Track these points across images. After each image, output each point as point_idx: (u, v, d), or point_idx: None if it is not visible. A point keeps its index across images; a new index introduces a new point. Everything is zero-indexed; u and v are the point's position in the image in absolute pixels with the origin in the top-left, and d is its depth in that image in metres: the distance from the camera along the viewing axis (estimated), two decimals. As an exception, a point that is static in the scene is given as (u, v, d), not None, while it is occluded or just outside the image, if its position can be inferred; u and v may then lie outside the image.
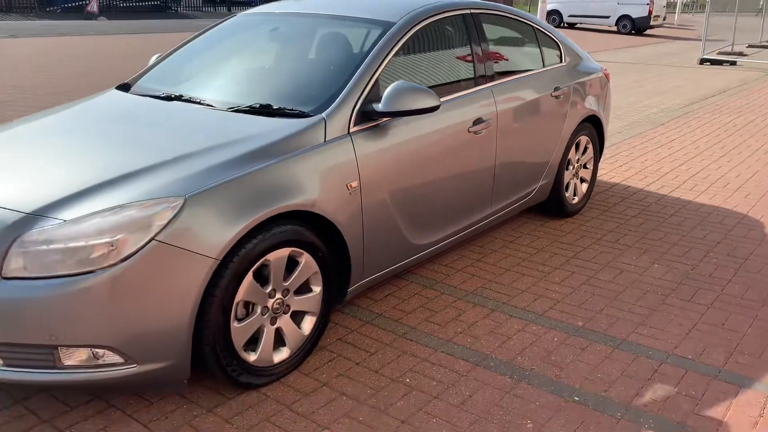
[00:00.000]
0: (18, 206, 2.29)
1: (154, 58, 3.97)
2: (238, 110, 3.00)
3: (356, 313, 3.30)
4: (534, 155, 4.10)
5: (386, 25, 3.29)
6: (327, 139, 2.81)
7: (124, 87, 3.61)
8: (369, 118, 2.98)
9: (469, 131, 3.49)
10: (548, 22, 28.04)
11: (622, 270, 3.86)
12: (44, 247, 2.20)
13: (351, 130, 2.90)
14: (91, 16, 26.33)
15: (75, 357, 2.27)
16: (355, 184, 2.86)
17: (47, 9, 28.23)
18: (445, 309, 3.37)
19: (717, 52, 16.50)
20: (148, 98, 3.30)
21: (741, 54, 16.82)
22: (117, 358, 2.29)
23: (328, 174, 2.75)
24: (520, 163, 3.98)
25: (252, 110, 2.99)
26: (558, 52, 4.52)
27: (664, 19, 28.40)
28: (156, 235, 2.24)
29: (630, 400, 2.63)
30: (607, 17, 26.26)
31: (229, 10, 36.95)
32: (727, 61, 15.59)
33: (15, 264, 2.20)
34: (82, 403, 2.57)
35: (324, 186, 2.73)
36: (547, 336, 3.11)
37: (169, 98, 3.25)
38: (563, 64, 4.52)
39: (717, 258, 4.04)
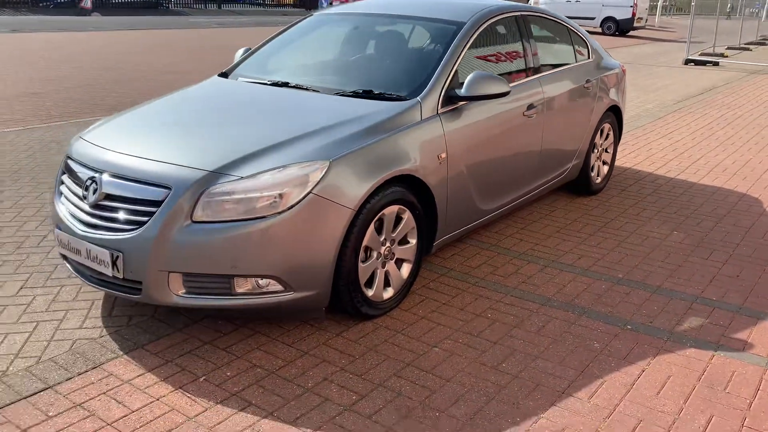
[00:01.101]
0: (201, 166, 2.87)
1: (240, 52, 4.53)
2: (343, 95, 3.60)
3: (432, 267, 3.91)
4: (569, 138, 4.75)
5: (459, 25, 3.91)
6: (422, 118, 3.42)
7: (225, 75, 4.19)
8: (451, 101, 3.59)
9: (524, 115, 4.13)
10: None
11: (647, 236, 4.53)
12: (227, 197, 2.78)
13: (439, 111, 3.52)
14: (84, 12, 26.55)
15: (245, 285, 2.85)
16: (443, 155, 3.47)
17: (40, 4, 28.37)
18: (505, 265, 4.00)
19: (699, 53, 17.34)
20: (259, 84, 3.88)
21: (722, 55, 17.71)
22: (278, 287, 2.88)
23: (424, 146, 3.36)
24: (559, 144, 4.63)
25: (355, 95, 3.58)
26: (586, 50, 5.18)
27: (645, 21, 29.34)
28: (312, 189, 2.84)
29: (672, 327, 3.28)
30: (592, 18, 27.09)
31: (220, 7, 37.29)
32: (710, 62, 16.43)
33: (203, 211, 2.78)
34: (231, 329, 3.15)
35: (422, 156, 3.34)
36: (595, 285, 3.76)
37: (276, 84, 3.83)
38: (590, 60, 5.18)
39: (725, 227, 4.73)
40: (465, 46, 3.81)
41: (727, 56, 17.81)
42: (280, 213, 2.79)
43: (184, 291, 2.87)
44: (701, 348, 3.09)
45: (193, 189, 2.78)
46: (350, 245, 2.98)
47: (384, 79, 3.78)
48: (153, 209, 2.80)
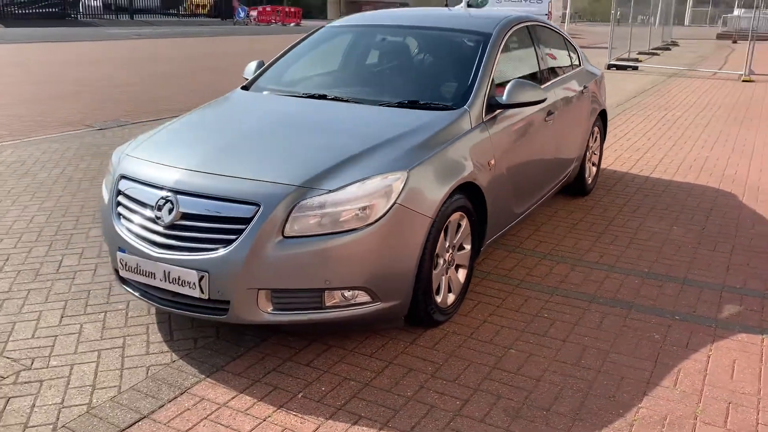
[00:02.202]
0: (289, 181, 2.84)
1: (254, 65, 4.47)
2: (388, 105, 3.64)
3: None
4: (573, 142, 4.98)
5: (486, 36, 4.03)
6: (472, 127, 3.51)
7: (247, 88, 4.14)
8: (492, 109, 3.70)
9: (545, 120, 4.30)
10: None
11: (652, 232, 4.80)
12: (317, 211, 2.77)
13: (484, 119, 3.62)
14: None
15: (334, 298, 2.85)
16: (492, 161, 3.58)
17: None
18: (537, 266, 4.14)
19: (616, 58, 18.33)
20: (297, 98, 3.86)
21: (638, 60, 18.80)
22: (366, 298, 2.89)
23: (477, 154, 3.46)
24: (567, 148, 4.84)
25: (400, 105, 3.63)
26: (577, 57, 5.44)
27: (559, 29, 30.65)
28: (396, 199, 2.87)
29: (714, 315, 3.51)
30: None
31: (132, 17, 36.06)
32: (630, 66, 17.41)
33: (294, 226, 2.76)
34: (304, 345, 3.12)
35: (477, 163, 3.43)
36: (628, 280, 3.96)
37: (313, 97, 3.83)
38: (582, 66, 5.44)
39: (717, 220, 5.07)
40: (496, 55, 3.93)
41: (642, 61, 18.92)
42: (369, 225, 2.80)
43: (272, 308, 2.83)
44: (749, 332, 3.33)
45: (283, 204, 2.75)
46: (427, 253, 3.03)
47: (425, 89, 3.85)
48: (241, 227, 2.75)
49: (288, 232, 2.75)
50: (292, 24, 41.55)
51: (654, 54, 21.94)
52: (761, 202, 5.53)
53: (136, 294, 3.06)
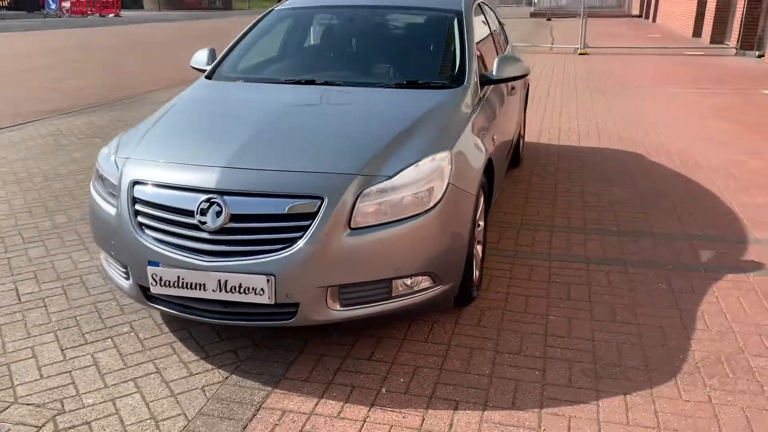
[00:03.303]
0: (347, 170, 2.68)
1: (204, 54, 4.13)
2: (387, 86, 3.55)
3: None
4: (519, 113, 5.18)
5: (458, 13, 4.06)
6: (474, 103, 3.53)
7: (210, 77, 3.85)
8: (483, 84, 3.75)
9: (510, 95, 4.43)
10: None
11: (597, 194, 5.14)
12: (381, 198, 2.66)
13: (480, 95, 3.66)
14: None
15: (399, 287, 2.76)
16: (495, 136, 3.64)
17: None
18: (519, 236, 4.28)
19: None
20: (283, 85, 3.64)
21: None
22: (427, 283, 2.83)
23: (486, 129, 3.49)
24: (517, 120, 5.03)
25: (399, 86, 3.56)
26: (503, 31, 5.64)
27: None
28: (449, 180, 2.83)
29: (698, 262, 3.85)
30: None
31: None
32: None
33: (360, 217, 2.63)
34: (352, 339, 3.00)
35: (488, 138, 3.47)
36: (606, 240, 4.22)
37: (299, 83, 3.64)
38: (510, 41, 5.66)
39: (643, 179, 5.54)
40: (473, 31, 3.98)
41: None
42: (432, 207, 2.74)
43: (339, 305, 2.68)
44: (733, 273, 3.70)
45: (347, 195, 2.61)
46: (471, 232, 3.03)
47: (416, 69, 3.81)
48: (304, 223, 2.57)
49: (355, 223, 2.61)
50: (111, 15, 38.66)
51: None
52: (667, 159, 6.12)
53: (172, 311, 2.75)
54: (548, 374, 2.74)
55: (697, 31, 20.67)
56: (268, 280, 2.53)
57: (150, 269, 2.67)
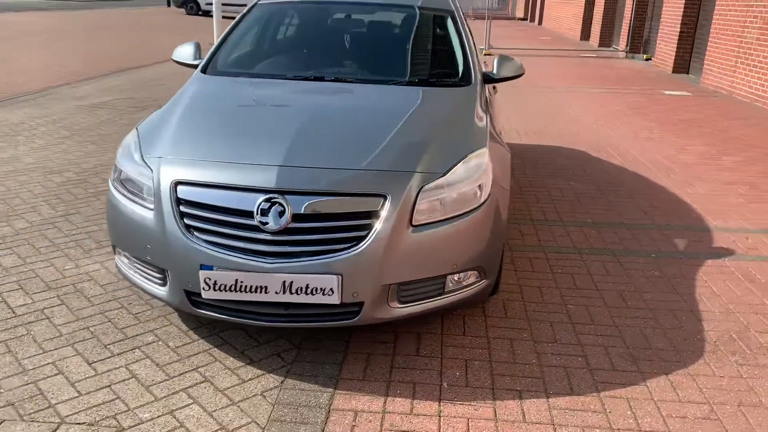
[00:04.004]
0: (407, 167, 2.68)
1: (190, 48, 3.98)
2: (399, 84, 3.57)
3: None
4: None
5: (450, 12, 4.14)
6: (483, 100, 3.63)
7: (215, 72, 3.71)
8: (486, 82, 3.85)
9: (492, 94, 4.57)
10: (186, 11, 28.22)
11: (559, 188, 5.40)
12: (439, 195, 2.69)
13: (485, 94, 3.77)
14: None
15: (451, 282, 2.81)
16: (502, 133, 3.75)
17: None
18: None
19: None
20: (295, 81, 3.57)
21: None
22: (473, 278, 2.88)
23: (497, 126, 3.60)
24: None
25: (411, 83, 3.60)
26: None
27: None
28: (492, 176, 2.91)
29: (677, 249, 4.17)
30: (243, 5, 27.66)
31: None
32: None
33: (422, 213, 2.64)
34: (391, 336, 3.02)
35: (499, 133, 3.58)
36: (586, 231, 4.46)
37: (307, 79, 3.58)
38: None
39: (595, 172, 5.88)
40: (468, 30, 4.07)
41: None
42: (482, 203, 2.81)
43: (397, 302, 2.69)
44: (712, 258, 4.03)
45: (408, 192, 2.62)
46: (505, 226, 3.12)
47: (423, 67, 3.84)
48: (369, 221, 2.56)
49: (416, 220, 2.63)
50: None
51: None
52: (607, 155, 6.52)
53: (223, 316, 2.64)
54: (590, 360, 2.88)
55: (585, 35, 22.00)
56: (337, 280, 2.49)
57: (203, 273, 2.54)
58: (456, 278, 2.82)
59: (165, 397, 2.55)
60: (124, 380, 2.64)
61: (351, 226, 2.55)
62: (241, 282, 2.51)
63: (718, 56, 11.29)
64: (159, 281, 2.74)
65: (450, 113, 3.22)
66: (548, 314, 3.27)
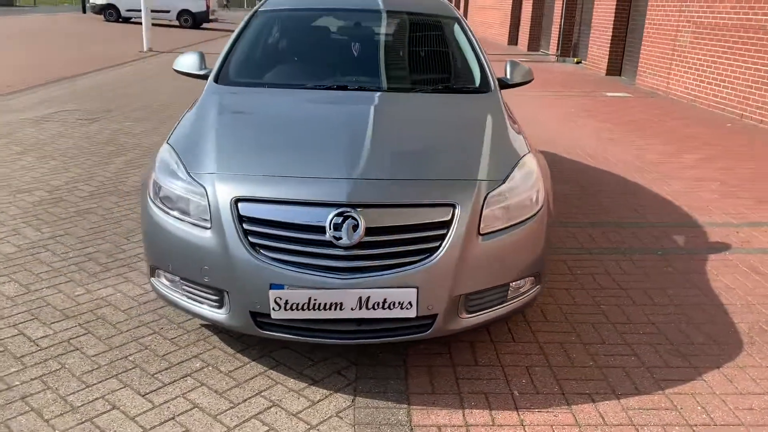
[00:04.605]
0: (471, 176, 2.66)
1: (194, 58, 3.84)
2: (423, 92, 3.56)
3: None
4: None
5: (456, 18, 4.16)
6: (504, 105, 3.66)
7: (229, 82, 3.59)
8: (501, 88, 3.88)
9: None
10: (105, 18, 27.15)
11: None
12: (502, 203, 2.68)
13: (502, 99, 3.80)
14: None
15: (511, 290, 2.81)
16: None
17: None
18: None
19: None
20: (319, 91, 3.48)
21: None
22: (529, 284, 2.89)
23: (515, 130, 3.64)
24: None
25: (435, 90, 3.59)
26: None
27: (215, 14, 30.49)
28: (541, 182, 2.93)
29: (677, 246, 4.33)
30: (168, 11, 26.92)
31: None
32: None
33: (488, 221, 2.63)
34: (442, 346, 2.99)
35: (523, 138, 3.62)
36: (588, 231, 4.56)
37: (331, 88, 3.52)
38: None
39: (570, 173, 6.03)
40: (475, 36, 4.10)
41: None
42: (540, 209, 2.82)
43: (465, 312, 2.66)
44: (714, 253, 4.21)
45: (475, 201, 2.60)
46: (547, 231, 3.15)
47: (443, 73, 3.83)
48: (440, 231, 2.53)
49: (483, 229, 2.61)
50: None
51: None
52: (578, 156, 6.71)
53: (293, 336, 2.53)
54: (643, 358, 2.94)
55: (513, 40, 22.61)
56: (415, 293, 2.44)
57: (273, 293, 2.43)
58: (515, 285, 2.81)
59: (237, 426, 2.42)
60: (186, 411, 2.50)
61: (424, 237, 2.50)
62: (315, 300, 2.42)
63: (653, 59, 11.84)
64: (215, 304, 2.61)
65: (486, 120, 3.22)
66: (586, 315, 3.32)
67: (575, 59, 16.74)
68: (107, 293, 3.42)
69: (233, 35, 3.96)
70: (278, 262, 2.45)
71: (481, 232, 2.59)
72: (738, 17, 9.29)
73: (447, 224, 2.52)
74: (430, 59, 4.00)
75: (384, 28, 4.14)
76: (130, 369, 2.75)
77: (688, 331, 3.20)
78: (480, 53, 3.90)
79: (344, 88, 3.54)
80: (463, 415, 2.51)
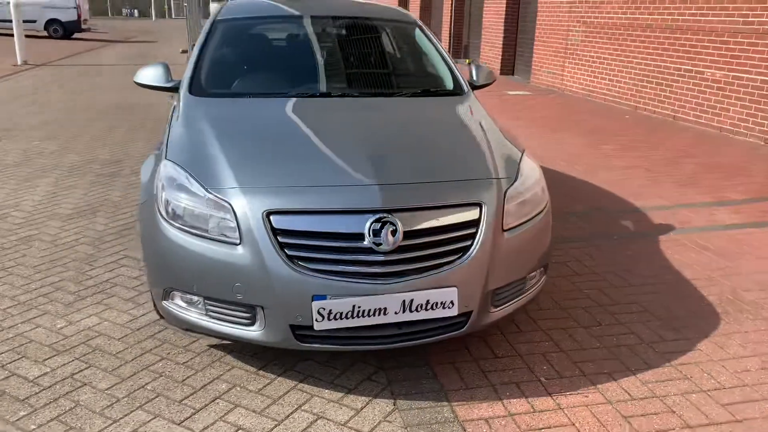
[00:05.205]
0: (489, 175, 2.75)
1: (159, 70, 3.70)
2: (404, 96, 3.62)
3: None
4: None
5: (415, 23, 4.25)
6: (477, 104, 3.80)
7: (205, 93, 3.50)
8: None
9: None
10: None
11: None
12: (518, 199, 2.80)
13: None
14: None
15: (528, 281, 2.93)
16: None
17: None
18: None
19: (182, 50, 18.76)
20: (303, 98, 3.46)
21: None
22: (538, 276, 3.01)
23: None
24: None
25: (414, 94, 3.66)
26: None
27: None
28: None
29: (615, 229, 4.66)
30: (34, 21, 25.21)
31: None
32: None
33: (509, 218, 2.73)
34: (459, 345, 3.08)
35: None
36: (573, 221, 4.80)
37: (313, 95, 3.51)
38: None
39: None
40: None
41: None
42: (547, 204, 2.97)
43: (492, 307, 2.76)
44: (664, 234, 4.56)
45: (498, 199, 2.70)
46: (545, 224, 3.30)
47: (416, 77, 3.90)
48: (471, 230, 2.61)
49: (506, 225, 2.72)
50: None
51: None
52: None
53: (335, 346, 2.52)
54: (641, 335, 3.17)
55: (402, 42, 23.06)
56: (457, 292, 2.50)
57: (316, 304, 2.41)
58: (530, 276, 2.94)
59: (295, 442, 2.37)
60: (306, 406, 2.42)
61: (457, 237, 2.57)
62: (359, 307, 2.42)
63: (546, 57, 12.53)
64: (246, 321, 2.54)
65: (475, 121, 3.33)
66: (574, 301, 3.51)
67: (467, 60, 17.36)
68: (93, 323, 3.22)
69: (198, 46, 3.83)
70: (319, 272, 2.42)
71: (504, 228, 2.69)
72: (626, 17, 10.04)
73: (476, 223, 2.60)
74: (403, 64, 4.07)
75: (352, 35, 4.15)
76: (153, 398, 2.62)
77: (670, 306, 3.46)
78: (446, 57, 4.01)
79: (327, 95, 3.53)
80: (504, 406, 2.59)
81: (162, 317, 3.04)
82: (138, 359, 2.90)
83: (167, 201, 2.64)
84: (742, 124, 7.83)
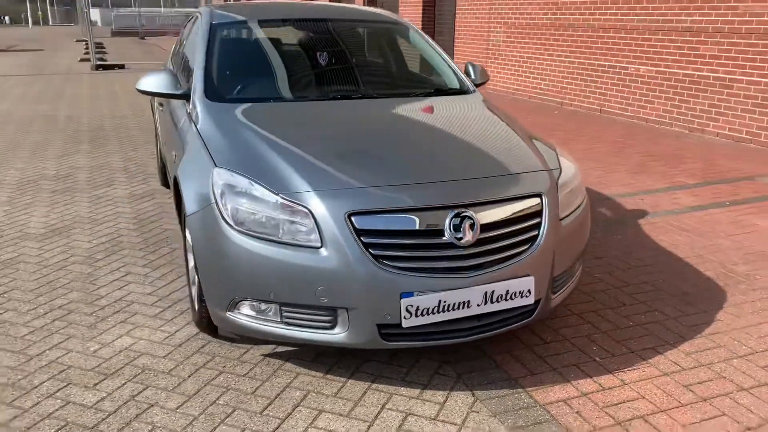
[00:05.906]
0: (542, 167, 2.87)
1: (165, 78, 3.57)
2: (417, 96, 3.70)
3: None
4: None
5: (406, 24, 4.33)
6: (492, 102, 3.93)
7: (223, 99, 3.44)
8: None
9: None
10: None
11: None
12: (567, 189, 2.94)
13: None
14: None
15: (574, 269, 3.08)
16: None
17: None
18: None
19: (99, 59, 17.85)
20: (324, 101, 3.47)
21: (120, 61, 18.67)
22: (578, 264, 3.18)
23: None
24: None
25: (427, 94, 3.75)
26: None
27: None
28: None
29: (598, 217, 4.94)
30: None
31: None
32: (116, 65, 17.25)
33: (562, 207, 2.86)
34: (509, 335, 3.20)
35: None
36: (528, 214, 5.01)
37: (328, 98, 3.54)
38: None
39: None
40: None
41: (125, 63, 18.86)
42: (585, 194, 3.14)
43: (553, 294, 2.89)
44: (641, 219, 4.87)
45: (554, 189, 2.83)
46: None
47: (422, 77, 3.97)
48: (537, 220, 2.72)
49: (560, 214, 2.85)
50: None
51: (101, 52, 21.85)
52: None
53: (422, 342, 2.56)
54: (665, 312, 3.39)
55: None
56: (533, 281, 2.61)
57: (404, 301, 2.44)
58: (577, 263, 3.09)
59: (391, 441, 2.39)
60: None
61: (527, 227, 2.67)
62: (444, 302, 2.47)
63: (467, 58, 12.92)
64: (326, 325, 2.53)
65: (499, 117, 3.45)
66: (593, 284, 3.71)
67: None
68: (127, 343, 3.07)
69: (201, 51, 3.71)
70: (405, 270, 2.45)
71: (560, 217, 2.82)
72: (547, 17, 10.54)
73: (539, 213, 2.71)
74: (408, 65, 4.13)
75: (353, 37, 4.17)
76: (231, 413, 2.55)
77: (676, 284, 3.72)
78: (444, 56, 4.11)
79: (348, 97, 3.54)
80: (574, 387, 2.72)
81: (210, 331, 2.96)
82: (195, 375, 2.80)
83: (235, 209, 2.58)
84: (667, 114, 8.44)
